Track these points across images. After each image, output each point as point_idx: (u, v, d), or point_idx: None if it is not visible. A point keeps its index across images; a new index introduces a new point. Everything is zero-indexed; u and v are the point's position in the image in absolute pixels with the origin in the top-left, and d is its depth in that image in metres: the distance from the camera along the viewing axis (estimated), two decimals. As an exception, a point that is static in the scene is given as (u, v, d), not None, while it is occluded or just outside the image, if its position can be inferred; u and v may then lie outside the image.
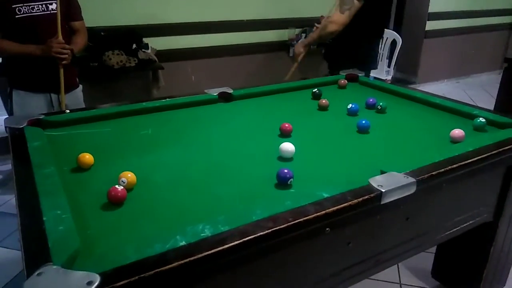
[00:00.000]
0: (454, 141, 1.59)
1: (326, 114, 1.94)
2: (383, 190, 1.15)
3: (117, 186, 1.14)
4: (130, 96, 3.60)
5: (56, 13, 2.06)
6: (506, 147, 1.47)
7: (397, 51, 4.61)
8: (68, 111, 1.80)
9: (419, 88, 5.85)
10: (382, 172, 1.28)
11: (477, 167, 1.40)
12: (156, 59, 3.46)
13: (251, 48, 4.22)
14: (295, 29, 4.34)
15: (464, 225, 1.57)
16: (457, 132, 1.59)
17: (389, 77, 4.68)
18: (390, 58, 4.76)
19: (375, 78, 2.37)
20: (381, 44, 4.77)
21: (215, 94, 2.06)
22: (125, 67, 3.19)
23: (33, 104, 2.16)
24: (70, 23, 2.25)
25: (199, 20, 3.85)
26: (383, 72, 4.81)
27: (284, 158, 1.44)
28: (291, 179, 1.24)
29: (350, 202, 1.10)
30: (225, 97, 2.09)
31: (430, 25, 5.63)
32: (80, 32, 2.29)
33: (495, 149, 1.45)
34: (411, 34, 5.49)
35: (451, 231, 1.54)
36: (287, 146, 1.43)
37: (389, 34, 4.74)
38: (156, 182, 1.28)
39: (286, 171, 1.25)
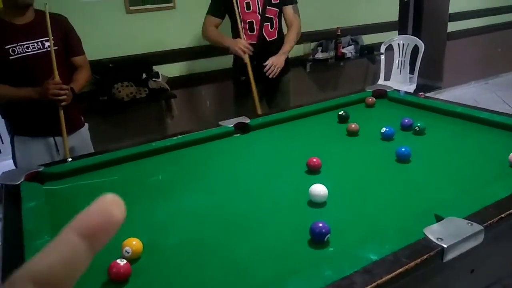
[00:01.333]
0: (515, 166, 1.34)
1: (356, 140, 1.72)
2: (445, 246, 0.92)
3: (118, 260, 0.94)
4: (143, 129, 3.47)
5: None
6: None
7: (420, 57, 4.36)
8: (70, 159, 1.63)
9: (445, 93, 5.57)
10: (438, 218, 1.05)
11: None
12: (168, 88, 3.31)
13: (265, 67, 4.03)
14: (311, 43, 4.15)
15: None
16: (518, 155, 1.34)
17: (414, 85, 4.42)
18: (412, 64, 4.51)
19: (406, 92, 2.13)
20: (402, 51, 4.53)
21: (230, 126, 1.86)
22: (135, 99, 3.05)
23: (36, 150, 2.01)
24: (71, 59, 2.10)
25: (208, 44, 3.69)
26: (406, 80, 4.56)
27: (315, 203, 1.22)
28: (328, 235, 1.02)
29: (406, 266, 0.88)
30: (241, 128, 1.89)
31: (452, 27, 5.35)
32: (82, 68, 2.13)
33: None
34: (432, 38, 5.23)
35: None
36: (319, 190, 1.21)
37: (410, 40, 4.50)
38: (166, 247, 1.08)
39: (321, 225, 1.03)
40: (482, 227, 0.98)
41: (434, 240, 0.94)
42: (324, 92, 4.47)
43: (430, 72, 5.44)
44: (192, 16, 3.54)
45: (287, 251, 1.03)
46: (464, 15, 5.38)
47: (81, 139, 2.17)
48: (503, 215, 1.04)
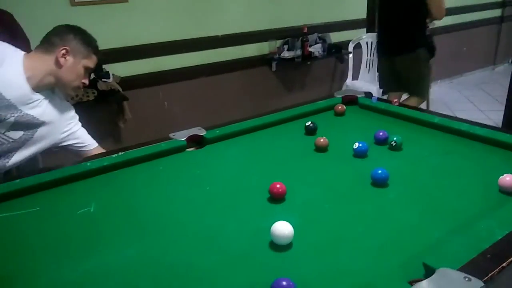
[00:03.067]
0: (506, 191, 1.17)
1: (326, 157, 1.51)
2: (442, 315, 0.72)
3: None
4: (93, 135, 3.14)
5: None
6: None
7: (388, 56, 4.23)
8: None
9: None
10: (427, 269, 0.85)
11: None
12: (120, 89, 3.01)
13: (229, 66, 3.79)
14: (276, 40, 3.93)
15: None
16: (509, 180, 1.17)
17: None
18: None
19: (378, 99, 1.95)
20: (370, 50, 4.40)
21: (182, 139, 1.61)
22: (82, 102, 2.73)
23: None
24: None
25: (168, 40, 3.41)
26: (375, 79, 4.43)
27: (278, 245, 1.00)
28: (293, 298, 0.80)
29: None
30: (196, 141, 1.65)
31: (419, 25, 5.27)
32: None
33: None
34: (400, 36, 5.12)
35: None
36: (282, 231, 0.99)
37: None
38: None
39: (284, 284, 0.81)
40: (482, 284, 0.79)
41: (427, 306, 0.74)
42: (291, 93, 4.28)
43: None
44: (147, 11, 3.25)
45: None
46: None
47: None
48: (504, 264, 0.85)
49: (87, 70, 1.62)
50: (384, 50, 3.35)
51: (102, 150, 1.71)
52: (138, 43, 3.26)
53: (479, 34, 5.99)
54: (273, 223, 1.00)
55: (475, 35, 5.92)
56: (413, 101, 3.12)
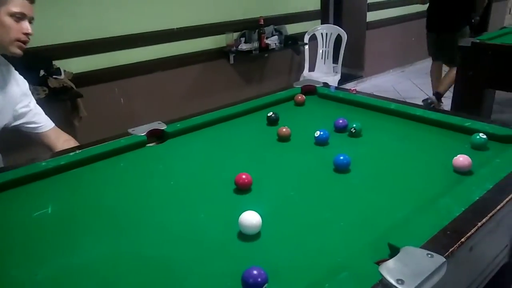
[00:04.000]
0: (460, 171, 1.23)
1: (289, 146, 1.52)
2: (408, 290, 0.75)
3: None
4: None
5: None
6: (531, 176, 1.13)
7: (343, 46, 4.33)
8: None
9: (367, 81, 5.67)
10: (392, 248, 0.88)
11: (504, 212, 1.04)
12: (73, 86, 2.89)
13: (186, 59, 3.73)
14: (233, 33, 3.91)
15: (487, 278, 1.22)
16: (462, 160, 1.23)
17: (338, 75, 4.39)
18: (335, 54, 4.47)
19: (336, 88, 1.99)
20: (325, 41, 4.47)
21: (142, 134, 1.57)
22: (32, 101, 2.59)
23: None
24: None
25: (121, 34, 3.30)
26: (331, 70, 4.52)
27: (247, 236, 0.99)
28: (265, 286, 0.80)
29: (365, 327, 0.69)
30: (157, 136, 1.61)
31: (371, 16, 5.43)
32: None
33: (520, 181, 1.10)
34: (353, 27, 5.26)
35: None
36: (249, 220, 0.98)
37: (333, 29, 4.46)
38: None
39: (255, 273, 0.81)
40: (444, 259, 0.83)
41: (394, 283, 0.76)
42: (250, 85, 4.28)
43: (352, 62, 5.49)
44: (98, 3, 3.13)
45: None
46: (381, 5, 5.49)
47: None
48: (463, 240, 0.89)
49: (18, 17, 1.39)
50: (433, 26, 4.18)
51: (62, 133, 1.61)
52: (90, 37, 3.13)
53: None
54: (241, 213, 1.00)
55: (422, 26, 6.16)
56: (453, 73, 3.66)
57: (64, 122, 3.02)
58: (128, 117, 3.32)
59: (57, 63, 2.90)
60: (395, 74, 6.06)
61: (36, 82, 2.68)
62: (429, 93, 5.16)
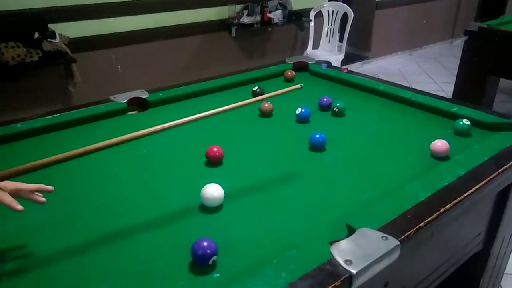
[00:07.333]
0: (437, 156, 1.20)
1: (269, 122, 1.50)
2: (354, 272, 0.74)
3: None
4: (40, 99, 2.99)
5: None
6: (507, 165, 1.10)
7: (349, 25, 4.22)
8: None
9: (372, 63, 5.56)
10: (350, 229, 0.87)
11: (473, 200, 1.02)
12: (68, 50, 2.85)
13: (186, 30, 3.67)
14: (236, 5, 3.82)
15: (455, 264, 1.21)
16: (440, 145, 1.20)
17: (342, 54, 4.30)
18: (341, 33, 4.37)
19: (328, 66, 1.94)
20: (331, 19, 4.37)
21: (123, 101, 1.55)
22: (24, 63, 2.58)
23: None
24: None
25: (120, 0, 3.24)
26: (335, 48, 4.43)
27: (208, 208, 0.99)
28: (214, 257, 0.80)
29: (304, 305, 0.68)
30: (138, 104, 1.59)
31: (381, -5, 5.28)
32: None
33: (495, 169, 1.07)
34: (362, 6, 5.12)
35: (441, 275, 1.17)
36: (211, 193, 0.97)
37: (340, 7, 4.34)
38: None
39: (205, 244, 0.80)
40: (398, 242, 0.81)
41: (342, 263, 0.75)
42: (251, 60, 4.22)
43: (359, 42, 5.37)
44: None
45: (165, 277, 0.79)
46: (393, -16, 5.32)
47: None
48: (421, 224, 0.88)
49: None
50: None
51: None
52: (88, 2, 3.08)
53: (439, 8, 6.07)
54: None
55: (434, 9, 6.00)
56: None
57: (59, 87, 3.02)
58: (124, 85, 3.29)
59: (52, 26, 2.86)
60: (402, 57, 5.93)
61: (30, 45, 2.66)
62: (434, 77, 5.06)
